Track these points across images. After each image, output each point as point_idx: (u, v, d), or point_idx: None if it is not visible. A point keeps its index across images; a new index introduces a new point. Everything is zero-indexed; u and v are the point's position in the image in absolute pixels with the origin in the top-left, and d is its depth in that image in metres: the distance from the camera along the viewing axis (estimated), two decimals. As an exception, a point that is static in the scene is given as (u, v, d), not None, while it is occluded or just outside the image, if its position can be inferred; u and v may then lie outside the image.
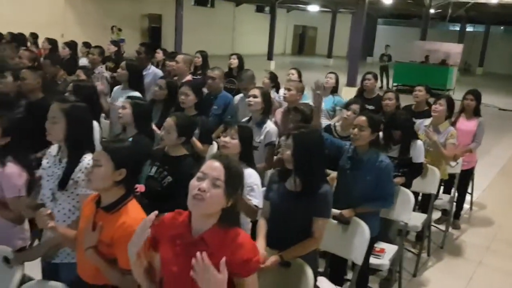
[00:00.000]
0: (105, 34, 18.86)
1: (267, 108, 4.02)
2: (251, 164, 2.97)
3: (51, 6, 18.43)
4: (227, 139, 2.92)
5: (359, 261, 3.06)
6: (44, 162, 2.69)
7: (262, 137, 3.89)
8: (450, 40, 21.50)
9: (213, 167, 1.73)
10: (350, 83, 13.15)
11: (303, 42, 36.79)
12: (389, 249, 3.73)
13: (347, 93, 10.12)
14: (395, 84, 17.26)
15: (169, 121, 3.12)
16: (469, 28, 29.45)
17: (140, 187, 2.45)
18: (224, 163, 1.74)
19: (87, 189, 2.43)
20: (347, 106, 4.32)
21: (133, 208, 2.19)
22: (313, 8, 28.49)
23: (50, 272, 2.63)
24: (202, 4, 27.27)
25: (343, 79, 5.91)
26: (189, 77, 5.43)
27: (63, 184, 2.51)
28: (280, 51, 32.54)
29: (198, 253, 1.56)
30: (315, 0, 24.83)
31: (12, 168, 2.68)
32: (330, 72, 6.10)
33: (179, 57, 5.40)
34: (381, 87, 17.37)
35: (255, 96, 3.96)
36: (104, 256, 2.14)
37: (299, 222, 2.60)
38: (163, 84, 4.51)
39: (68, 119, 2.50)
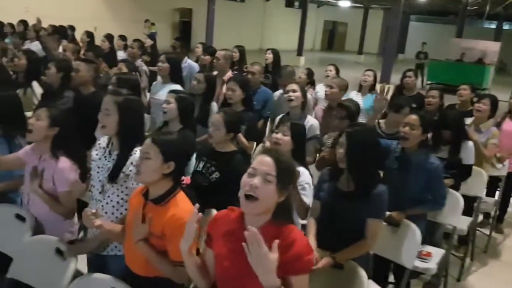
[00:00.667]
0: (137, 28, 18.99)
1: (305, 103, 3.96)
2: (303, 162, 2.91)
3: (87, 1, 18.69)
4: (279, 135, 2.87)
5: (409, 265, 2.98)
6: (94, 153, 2.69)
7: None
8: (486, 38, 20.89)
9: (263, 162, 1.71)
10: (384, 80, 12.98)
11: (332, 38, 36.45)
12: (436, 253, 3.61)
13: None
14: (429, 82, 16.90)
15: (217, 117, 3.09)
16: (505, 26, 28.60)
17: (186, 179, 2.43)
18: (274, 157, 1.71)
19: (137, 183, 2.43)
20: (396, 107, 4.12)
21: (182, 200, 2.19)
22: (345, 3, 28.17)
23: (97, 264, 2.63)
24: (231, -1, 27.31)
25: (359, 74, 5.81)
26: (229, 74, 5.39)
27: (113, 177, 2.50)
28: (309, 47, 32.28)
29: (249, 226, 1.56)
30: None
31: (64, 162, 2.69)
32: (368, 70, 5.97)
33: (220, 54, 5.35)
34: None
35: (294, 91, 3.91)
36: (155, 248, 2.14)
37: (351, 223, 2.54)
38: (201, 78, 4.47)
39: (121, 112, 2.49)
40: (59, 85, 4.27)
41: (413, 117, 3.26)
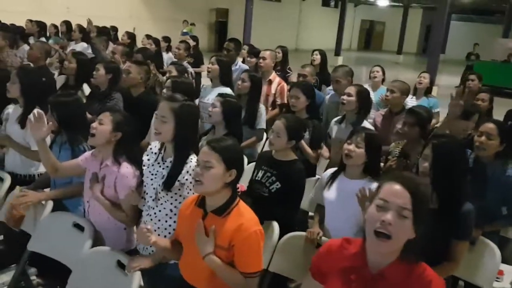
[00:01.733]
0: (175, 28, 19.14)
1: (364, 108, 3.75)
2: (378, 178, 2.71)
3: (127, 1, 18.91)
4: (351, 147, 2.67)
5: (488, 286, 2.74)
6: (145, 158, 2.59)
7: None
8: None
9: (397, 194, 1.48)
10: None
11: (369, 38, 35.82)
12: (508, 271, 3.35)
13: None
14: (473, 83, 16.27)
15: (279, 124, 2.93)
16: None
17: (241, 187, 2.30)
18: (409, 187, 1.49)
19: (194, 192, 2.31)
20: (465, 113, 3.81)
21: (245, 209, 2.09)
22: (383, 2, 27.58)
23: (153, 271, 2.50)
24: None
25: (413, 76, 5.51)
26: (274, 74, 5.23)
27: (169, 185, 2.41)
28: (346, 46, 31.78)
29: None
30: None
31: (126, 168, 2.61)
32: (423, 72, 5.71)
33: (265, 53, 5.19)
34: (459, 86, 16.38)
35: (349, 95, 3.70)
36: (222, 261, 2.04)
37: (434, 243, 2.32)
38: (246, 77, 4.33)
39: (178, 119, 2.38)
40: (108, 86, 4.22)
41: (490, 125, 3.02)
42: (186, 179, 2.39)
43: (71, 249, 2.57)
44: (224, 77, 4.61)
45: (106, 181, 2.62)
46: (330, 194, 2.80)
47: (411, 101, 5.51)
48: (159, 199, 2.47)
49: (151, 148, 2.60)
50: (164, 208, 2.47)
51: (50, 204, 2.89)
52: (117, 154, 2.63)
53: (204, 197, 2.11)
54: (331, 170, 2.93)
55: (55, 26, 9.04)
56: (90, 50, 7.07)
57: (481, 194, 2.99)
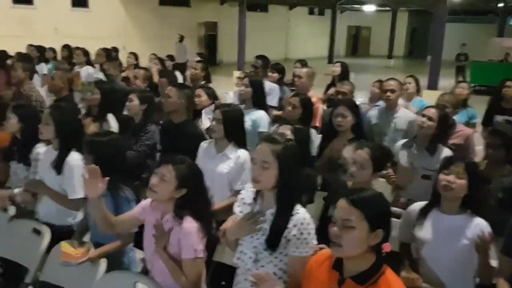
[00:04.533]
0: (162, 44, 18.81)
1: (442, 133, 3.41)
2: (483, 214, 2.39)
3: (113, 19, 18.57)
4: (451, 178, 2.36)
5: None
6: (237, 210, 2.24)
7: (437, 164, 3.29)
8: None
9: None
10: (432, 86, 12.43)
11: (356, 43, 35.82)
12: None
13: (428, 97, 9.40)
14: (472, 84, 16.18)
15: (363, 154, 2.60)
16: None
17: (386, 246, 1.91)
18: None
19: (307, 251, 2.00)
20: None
21: (394, 279, 1.74)
22: (369, 8, 27.59)
23: None
24: (253, 9, 26.86)
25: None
26: (311, 93, 4.90)
27: (273, 243, 2.05)
28: (334, 53, 31.82)
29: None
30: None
31: (190, 224, 2.24)
32: (461, 81, 5.44)
33: (302, 71, 4.85)
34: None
35: (430, 119, 3.36)
36: None
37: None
38: (296, 102, 3.98)
39: (282, 164, 2.03)
40: (142, 118, 3.85)
41: None
42: (294, 235, 2.03)
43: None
44: (258, 99, 4.28)
45: (170, 238, 2.27)
46: (425, 232, 2.47)
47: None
48: (259, 260, 2.11)
49: (242, 198, 2.25)
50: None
51: (103, 264, 2.52)
52: (180, 209, 2.27)
53: (340, 257, 1.78)
54: (418, 204, 2.62)
55: (54, 50, 8.64)
56: (96, 75, 6.71)
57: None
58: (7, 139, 3.38)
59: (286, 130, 3.08)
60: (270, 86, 5.29)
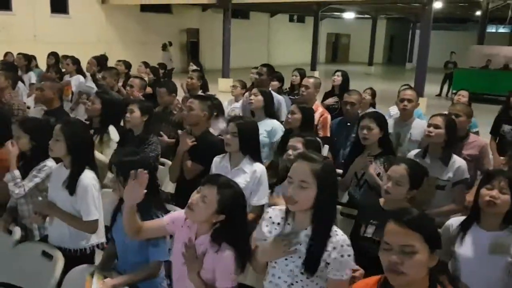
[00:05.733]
0: (144, 50, 18.56)
1: (452, 140, 3.34)
2: None
3: (94, 25, 18.22)
4: (495, 193, 2.27)
5: None
6: (265, 230, 2.09)
7: (450, 174, 3.25)
8: (501, 43, 20.55)
9: None
10: (418, 94, 12.48)
11: (336, 50, 36.12)
12: None
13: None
14: (454, 91, 16.42)
15: (400, 170, 2.49)
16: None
17: None
18: None
19: (393, 283, 1.85)
20: None
21: None
22: (349, 15, 27.83)
23: None
24: (234, 16, 26.79)
25: (386, 86, 5.39)
26: (317, 103, 4.80)
27: (312, 267, 1.93)
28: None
29: None
30: (354, 6, 24.12)
31: (228, 250, 2.10)
32: (462, 89, 5.43)
33: (309, 81, 4.73)
34: (439, 95, 16.58)
35: (437, 127, 3.30)
36: None
37: None
38: (296, 109, 3.88)
39: (321, 184, 1.92)
40: (143, 129, 3.70)
41: None
42: (334, 258, 1.92)
43: None
44: (269, 109, 4.18)
45: (204, 261, 2.12)
46: (465, 250, 2.38)
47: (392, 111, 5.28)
48: (293, 284, 1.99)
49: (270, 217, 2.11)
50: None
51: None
52: (217, 235, 2.12)
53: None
54: (455, 220, 2.53)
55: (34, 58, 8.35)
56: (88, 83, 6.49)
57: None
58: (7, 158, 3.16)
59: (298, 143, 2.98)
60: (277, 98, 5.15)
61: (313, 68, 21.69)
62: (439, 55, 20.31)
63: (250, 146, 3.08)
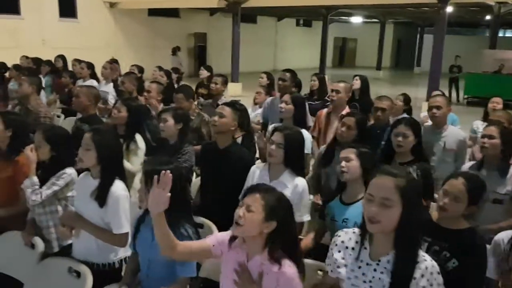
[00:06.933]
0: (153, 54, 18.46)
1: (509, 150, 3.16)
2: None
3: (102, 29, 18.13)
4: None
5: None
6: (338, 256, 1.90)
7: (509, 187, 3.07)
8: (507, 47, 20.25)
9: None
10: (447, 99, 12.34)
11: (343, 55, 35.96)
12: None
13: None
14: (465, 96, 16.23)
15: (458, 185, 2.31)
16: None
17: None
18: None
19: None
20: None
21: None
22: (357, 19, 27.69)
23: None
24: (242, 21, 26.67)
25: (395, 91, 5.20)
26: (347, 109, 4.62)
27: None
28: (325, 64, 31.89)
29: None
30: (363, 11, 23.96)
31: (289, 267, 1.93)
32: (497, 97, 5.23)
33: (340, 86, 4.51)
34: (449, 100, 16.29)
35: (491, 137, 3.13)
36: None
37: None
38: (288, 99, 3.83)
39: (407, 202, 1.71)
40: (178, 139, 3.52)
41: None
42: (423, 287, 1.73)
43: None
44: (299, 118, 3.99)
45: (265, 282, 1.94)
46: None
47: (483, 128, 5.03)
48: None
49: (343, 242, 1.91)
50: None
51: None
52: (274, 250, 1.94)
53: None
54: (505, 234, 2.37)
55: (49, 63, 8.19)
56: (103, 88, 6.33)
57: None
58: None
59: (351, 154, 2.76)
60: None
61: (321, 72, 21.51)
62: (451, 60, 20.09)
63: (295, 158, 2.88)
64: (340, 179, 2.74)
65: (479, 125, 4.98)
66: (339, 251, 1.91)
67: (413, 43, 32.80)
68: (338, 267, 1.89)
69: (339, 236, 1.95)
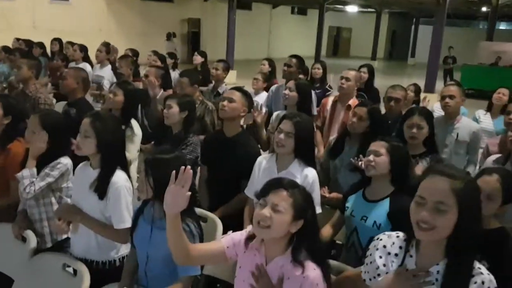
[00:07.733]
0: (145, 40, 18.09)
1: None
2: None
3: (94, 13, 17.74)
4: None
5: None
6: (379, 262, 1.69)
7: None
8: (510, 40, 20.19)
9: None
10: (429, 89, 12.28)
11: (337, 44, 35.70)
12: None
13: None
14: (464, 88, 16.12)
15: (493, 182, 2.12)
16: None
17: None
18: None
19: None
20: None
21: None
22: (353, 8, 27.45)
23: None
24: (237, 7, 26.32)
25: (389, 82, 5.10)
26: (354, 99, 4.41)
27: None
28: (314, 54, 31.63)
29: None
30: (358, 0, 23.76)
31: (314, 270, 1.73)
32: (503, 87, 5.06)
33: (351, 74, 4.25)
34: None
35: None
36: None
37: None
38: (292, 86, 3.65)
39: (463, 206, 1.50)
40: (183, 128, 3.30)
41: None
42: None
43: None
44: (304, 105, 3.78)
45: (287, 287, 1.75)
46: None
47: (484, 118, 4.88)
48: None
49: (385, 246, 1.70)
50: None
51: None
52: (298, 251, 1.75)
53: None
54: None
55: (41, 45, 7.88)
56: (97, 72, 6.06)
57: None
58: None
59: (381, 148, 2.50)
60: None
61: (316, 61, 21.34)
62: (445, 51, 19.99)
63: (305, 148, 2.69)
64: (366, 174, 2.53)
65: (481, 115, 4.83)
66: (381, 257, 1.69)
67: (407, 34, 32.67)
68: (379, 275, 1.68)
69: (381, 239, 1.73)
